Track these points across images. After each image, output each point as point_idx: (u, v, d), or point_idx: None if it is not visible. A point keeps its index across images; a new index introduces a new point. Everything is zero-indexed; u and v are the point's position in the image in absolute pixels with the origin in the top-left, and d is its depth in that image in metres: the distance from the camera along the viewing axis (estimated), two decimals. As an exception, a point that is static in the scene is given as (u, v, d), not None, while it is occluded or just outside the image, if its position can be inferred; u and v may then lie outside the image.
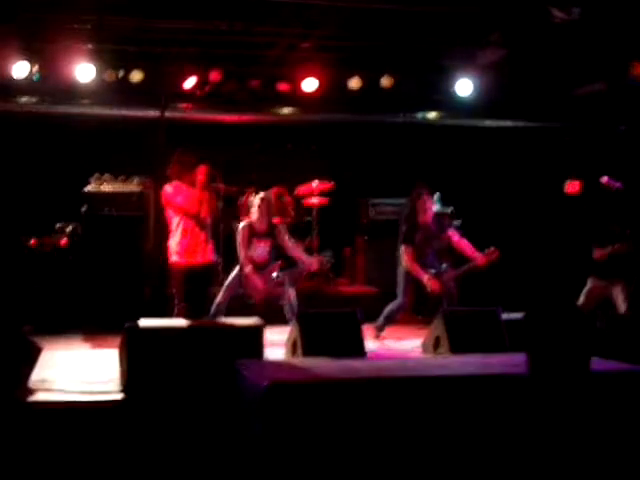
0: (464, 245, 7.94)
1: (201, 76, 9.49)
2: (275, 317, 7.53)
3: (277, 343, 6.76)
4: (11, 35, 8.46)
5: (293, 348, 6.24)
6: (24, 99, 9.54)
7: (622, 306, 7.42)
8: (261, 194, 7.99)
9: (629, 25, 8.22)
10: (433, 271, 7.86)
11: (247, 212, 8.28)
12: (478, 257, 7.80)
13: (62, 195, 9.35)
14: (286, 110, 10.56)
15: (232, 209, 9.36)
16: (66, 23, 8.33)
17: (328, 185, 10.23)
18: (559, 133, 11.06)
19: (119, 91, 9.42)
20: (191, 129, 9.65)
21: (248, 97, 9.88)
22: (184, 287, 7.29)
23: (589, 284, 7.60)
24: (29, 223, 9.11)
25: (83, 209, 9.08)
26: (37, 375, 5.73)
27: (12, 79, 8.86)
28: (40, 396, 5.44)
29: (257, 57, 9.60)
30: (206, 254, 7.43)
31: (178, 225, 7.35)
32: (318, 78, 9.82)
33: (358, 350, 6.18)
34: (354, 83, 9.90)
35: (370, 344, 7.13)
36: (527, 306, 3.17)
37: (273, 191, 9.90)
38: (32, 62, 8.82)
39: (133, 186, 9.30)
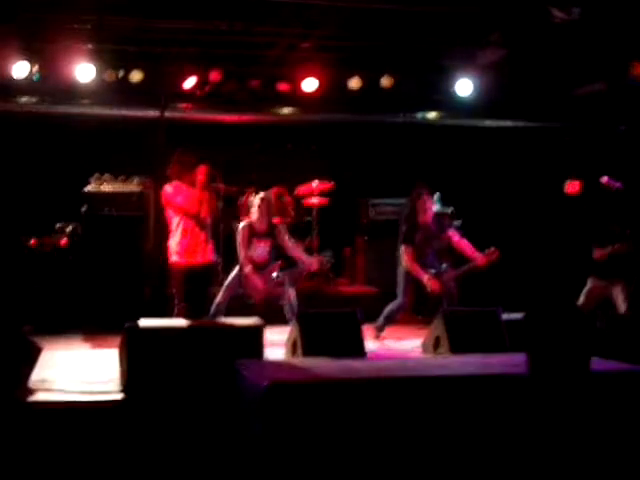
0: (464, 245, 7.93)
1: (201, 76, 9.49)
2: (275, 317, 7.53)
3: (277, 343, 6.76)
4: (11, 35, 8.46)
5: (293, 348, 6.24)
6: (24, 99, 9.53)
7: (622, 306, 7.42)
8: (261, 194, 7.99)
9: (629, 25, 8.22)
10: (433, 271, 7.86)
11: (247, 212, 8.28)
12: (478, 257, 7.79)
13: (62, 195, 9.35)
14: (286, 110, 10.56)
15: (232, 209, 9.36)
16: (66, 23, 8.32)
17: (328, 185, 10.23)
18: (559, 133, 11.06)
19: (119, 91, 9.42)
20: (191, 129, 9.65)
21: (248, 97, 9.88)
22: (184, 287, 7.29)
23: (589, 284, 7.60)
24: (29, 223, 9.12)
25: (83, 209, 9.08)
26: (37, 375, 5.73)
27: (12, 79, 8.85)
28: (40, 396, 5.44)
29: (257, 57, 9.60)
30: (206, 254, 7.43)
31: (178, 225, 7.35)
32: (318, 78, 9.82)
33: (358, 350, 6.18)
34: (354, 83, 9.90)
35: (370, 344, 7.12)
36: (527, 306, 3.17)
37: (273, 191, 9.90)
38: (32, 62, 8.82)
39: (133, 186, 9.30)
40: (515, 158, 10.97)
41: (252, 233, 7.69)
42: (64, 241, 9.03)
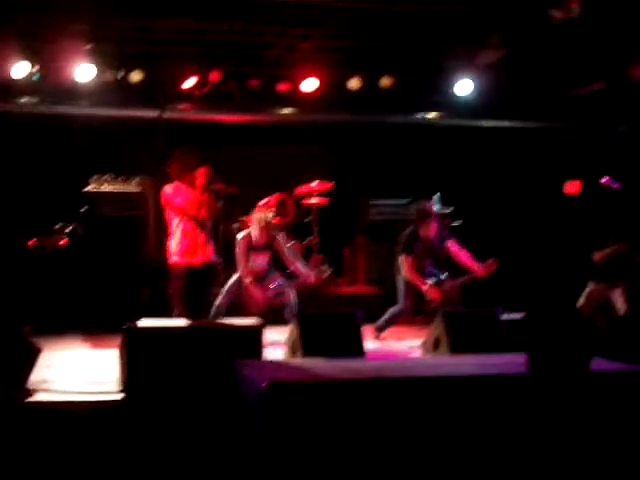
0: (464, 256, 7.96)
1: (201, 76, 9.49)
2: (275, 317, 7.55)
3: (277, 343, 6.76)
4: (11, 35, 8.46)
5: (293, 349, 6.23)
6: (24, 99, 9.53)
7: (622, 308, 7.42)
8: (263, 215, 8.00)
9: (629, 25, 8.22)
10: (433, 280, 7.91)
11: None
12: (478, 269, 7.83)
13: (62, 195, 9.35)
14: (286, 110, 10.56)
15: (232, 209, 9.36)
16: (66, 23, 8.33)
17: (328, 185, 10.23)
18: (559, 133, 11.06)
19: (119, 91, 9.42)
20: (191, 129, 9.65)
21: (248, 97, 9.88)
22: (184, 288, 7.28)
23: (589, 287, 7.60)
24: (29, 223, 9.11)
25: (83, 209, 9.08)
26: (37, 375, 5.73)
27: (12, 79, 8.86)
28: (40, 396, 5.43)
29: (257, 57, 9.60)
30: (206, 255, 7.42)
31: (178, 226, 7.34)
32: (318, 78, 9.82)
33: (358, 351, 6.18)
34: (354, 83, 9.90)
35: (370, 344, 7.13)
36: (527, 306, 3.17)
37: (275, 198, 9.90)
38: (32, 62, 8.82)
39: (133, 186, 9.30)
40: (515, 158, 10.97)
41: (251, 246, 7.74)
42: (64, 241, 9.02)
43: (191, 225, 7.31)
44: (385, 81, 9.92)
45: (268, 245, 7.81)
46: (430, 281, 7.90)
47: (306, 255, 10.03)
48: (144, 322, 5.96)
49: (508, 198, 10.85)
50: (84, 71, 8.97)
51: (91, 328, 8.37)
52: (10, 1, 7.86)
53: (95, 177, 9.24)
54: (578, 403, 2.95)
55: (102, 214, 9.09)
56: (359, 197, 10.83)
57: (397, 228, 8.87)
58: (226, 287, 7.71)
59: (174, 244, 7.34)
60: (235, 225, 9.53)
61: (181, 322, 6.35)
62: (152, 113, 9.37)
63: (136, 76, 9.27)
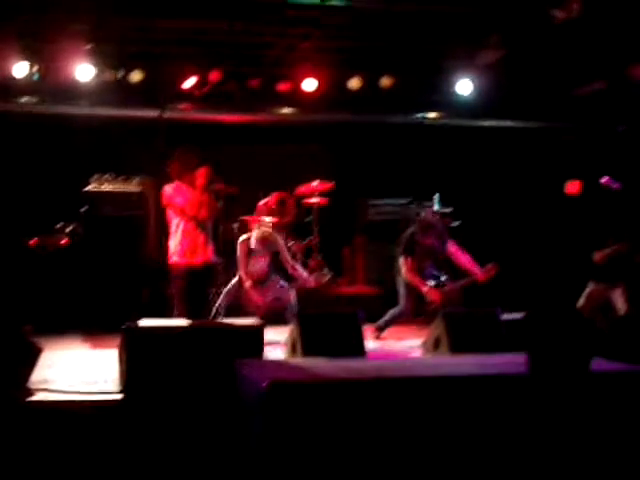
0: (464, 260, 7.97)
1: (201, 76, 9.49)
2: (275, 317, 7.55)
3: (277, 343, 6.76)
4: (11, 35, 8.46)
5: (293, 349, 6.23)
6: (24, 99, 9.53)
7: (622, 308, 7.41)
8: (263, 230, 8.03)
9: (629, 25, 8.22)
10: (433, 282, 7.92)
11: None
12: (478, 273, 7.85)
13: (62, 195, 9.35)
14: (286, 110, 10.56)
15: (232, 209, 9.36)
16: (66, 23, 8.33)
17: (328, 185, 10.23)
18: (559, 133, 11.06)
19: (119, 91, 9.42)
20: (191, 129, 9.65)
21: (248, 97, 9.88)
22: (184, 288, 7.29)
23: (589, 287, 7.60)
24: (29, 223, 9.11)
25: (83, 209, 9.08)
26: (37, 375, 5.73)
27: (12, 79, 8.86)
28: (40, 396, 5.43)
29: (257, 57, 9.60)
30: (206, 255, 7.43)
31: (178, 226, 7.34)
32: (318, 78, 9.82)
33: (358, 351, 6.18)
34: (354, 83, 9.90)
35: (370, 344, 7.13)
36: (527, 306, 3.17)
37: (275, 196, 9.90)
38: (32, 62, 8.82)
39: (133, 186, 9.30)
40: (515, 158, 10.97)
41: (250, 250, 7.77)
42: (64, 241, 9.02)
43: (191, 225, 7.31)
44: (385, 81, 9.92)
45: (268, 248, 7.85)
46: (430, 283, 7.91)
47: (306, 255, 10.04)
48: (144, 322, 5.96)
49: (508, 198, 10.85)
50: (84, 71, 8.97)
51: (91, 328, 8.37)
52: (10, 1, 7.86)
53: (95, 177, 9.24)
54: (578, 403, 2.95)
55: (102, 214, 9.09)
56: (359, 197, 10.83)
57: (396, 228, 8.87)
58: (225, 289, 7.74)
59: (174, 244, 7.34)
60: (235, 225, 9.54)
61: (181, 322, 6.35)
62: (152, 113, 9.37)
63: (136, 76, 9.27)
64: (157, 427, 5.16)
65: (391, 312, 8.09)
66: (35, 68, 8.87)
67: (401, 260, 7.97)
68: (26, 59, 8.75)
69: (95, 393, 5.54)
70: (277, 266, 7.98)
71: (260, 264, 7.80)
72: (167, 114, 9.47)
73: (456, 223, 10.00)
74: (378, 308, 8.42)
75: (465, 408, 4.09)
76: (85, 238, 9.04)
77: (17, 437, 4.90)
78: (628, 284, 7.46)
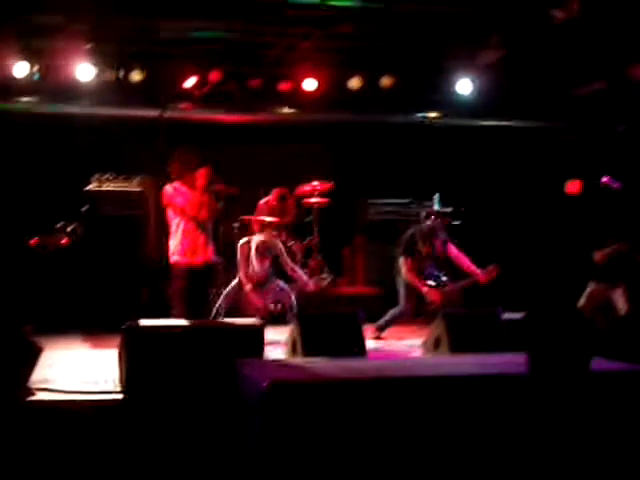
0: (463, 261, 8.00)
1: (201, 76, 9.49)
2: (275, 317, 7.55)
3: (277, 343, 6.77)
4: (11, 35, 8.46)
5: (293, 349, 6.23)
6: (24, 99, 9.54)
7: (623, 308, 7.42)
8: (260, 238, 8.04)
9: (629, 25, 8.22)
10: (433, 282, 7.93)
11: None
12: (479, 274, 7.86)
13: (63, 195, 9.35)
14: (286, 110, 10.56)
15: (232, 209, 9.37)
16: (66, 23, 8.32)
17: (328, 185, 10.23)
18: (559, 133, 11.06)
19: (119, 91, 9.42)
20: (191, 129, 9.65)
21: (248, 97, 9.88)
22: (184, 287, 7.29)
23: (590, 287, 7.60)
24: (30, 223, 9.11)
25: (84, 208, 9.08)
26: (37, 375, 5.73)
27: (12, 79, 8.86)
28: (40, 396, 5.44)
29: (257, 57, 9.61)
30: (207, 255, 7.43)
31: (178, 226, 7.34)
32: (318, 78, 9.82)
33: (358, 351, 6.18)
34: (354, 83, 9.90)
35: (370, 344, 7.13)
36: (527, 306, 3.17)
37: (275, 192, 9.92)
38: (32, 62, 8.82)
39: (134, 186, 9.30)
40: (515, 158, 10.97)
41: (250, 253, 7.79)
42: (65, 240, 9.02)
43: (191, 225, 7.31)
44: (385, 81, 9.92)
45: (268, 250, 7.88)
46: (430, 283, 7.92)
47: (306, 255, 10.04)
48: (144, 322, 5.96)
49: (508, 198, 10.86)
50: (84, 71, 8.97)
51: (91, 328, 8.37)
52: (10, 1, 7.86)
53: (96, 176, 9.24)
54: (578, 403, 2.95)
55: (103, 213, 9.10)
56: (359, 197, 10.84)
57: (396, 228, 8.87)
58: (225, 291, 7.76)
59: (174, 244, 7.34)
60: (235, 225, 9.54)
61: (181, 322, 6.36)
62: (152, 113, 9.37)
63: (136, 76, 9.27)
64: (157, 427, 5.17)
65: (391, 312, 8.11)
66: (35, 68, 8.87)
67: (401, 260, 7.99)
68: (26, 59, 8.76)
69: (95, 393, 5.54)
70: (277, 269, 7.99)
71: (260, 266, 7.81)
72: (167, 114, 9.48)
73: (456, 223, 10.00)
74: (378, 308, 8.42)
75: (465, 408, 4.09)
76: (86, 237, 9.05)
77: (17, 437, 4.90)
78: (629, 284, 7.47)
